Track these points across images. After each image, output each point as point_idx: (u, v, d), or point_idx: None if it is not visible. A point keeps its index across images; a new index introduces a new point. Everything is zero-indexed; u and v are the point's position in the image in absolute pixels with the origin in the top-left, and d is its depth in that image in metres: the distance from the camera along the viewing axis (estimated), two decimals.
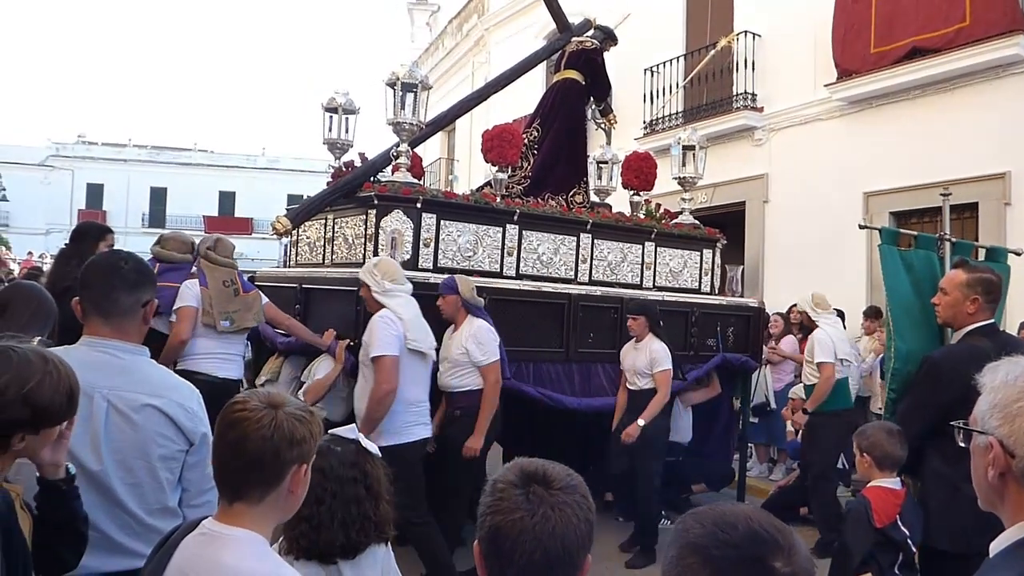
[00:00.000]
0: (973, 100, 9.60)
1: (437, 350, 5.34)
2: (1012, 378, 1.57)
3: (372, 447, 2.49)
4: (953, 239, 4.76)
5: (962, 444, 1.68)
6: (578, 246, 6.94)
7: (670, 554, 1.21)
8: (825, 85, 11.04)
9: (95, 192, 43.99)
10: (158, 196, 44.55)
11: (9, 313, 3.10)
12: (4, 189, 33.28)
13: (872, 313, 9.27)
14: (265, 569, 1.74)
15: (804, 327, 9.67)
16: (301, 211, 6.42)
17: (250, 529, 1.77)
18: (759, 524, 1.17)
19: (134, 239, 39.35)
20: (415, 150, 6.70)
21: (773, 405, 8.71)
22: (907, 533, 3.57)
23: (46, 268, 14.76)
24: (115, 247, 5.08)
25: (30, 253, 22.33)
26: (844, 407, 6.94)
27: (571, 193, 7.57)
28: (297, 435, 1.79)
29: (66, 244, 5.29)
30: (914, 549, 3.55)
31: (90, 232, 5.19)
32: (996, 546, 1.56)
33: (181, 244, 5.78)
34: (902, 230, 5.29)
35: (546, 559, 1.40)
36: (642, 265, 7.38)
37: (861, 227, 5.45)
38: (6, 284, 7.20)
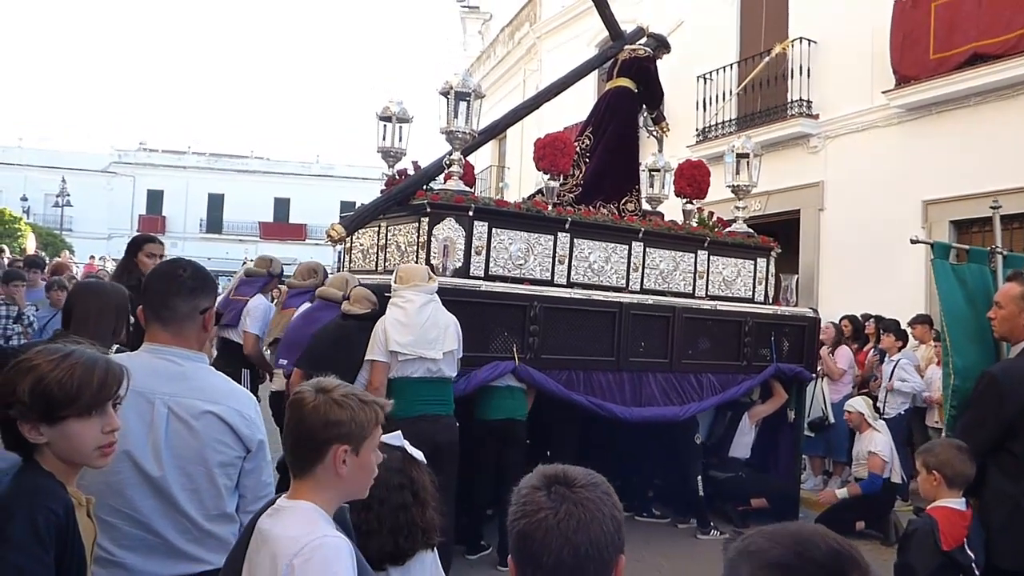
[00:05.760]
0: None
1: None
2: None
3: (418, 454, 2.49)
4: (1005, 252, 4.62)
5: None
6: (630, 254, 6.91)
7: (741, 574, 1.20)
8: (883, 92, 10.85)
9: (155, 198, 45.03)
10: (215, 202, 45.49)
11: (75, 319, 3.11)
12: (68, 195, 34.07)
13: (920, 320, 8.97)
14: (297, 533, 1.83)
15: (858, 338, 9.51)
16: (355, 218, 6.50)
17: (310, 501, 1.92)
18: (836, 542, 1.19)
19: (192, 244, 40.25)
20: (467, 158, 6.74)
21: (832, 419, 8.50)
22: (973, 557, 3.44)
23: (109, 268, 15.15)
24: (165, 252, 5.27)
25: (92, 257, 22.83)
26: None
27: (623, 201, 7.55)
28: (332, 417, 1.92)
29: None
30: (978, 573, 3.44)
31: (133, 244, 5.32)
32: None
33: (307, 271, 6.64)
34: (954, 244, 5.15)
35: (575, 557, 1.37)
36: (694, 274, 7.32)
37: (913, 241, 5.29)
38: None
